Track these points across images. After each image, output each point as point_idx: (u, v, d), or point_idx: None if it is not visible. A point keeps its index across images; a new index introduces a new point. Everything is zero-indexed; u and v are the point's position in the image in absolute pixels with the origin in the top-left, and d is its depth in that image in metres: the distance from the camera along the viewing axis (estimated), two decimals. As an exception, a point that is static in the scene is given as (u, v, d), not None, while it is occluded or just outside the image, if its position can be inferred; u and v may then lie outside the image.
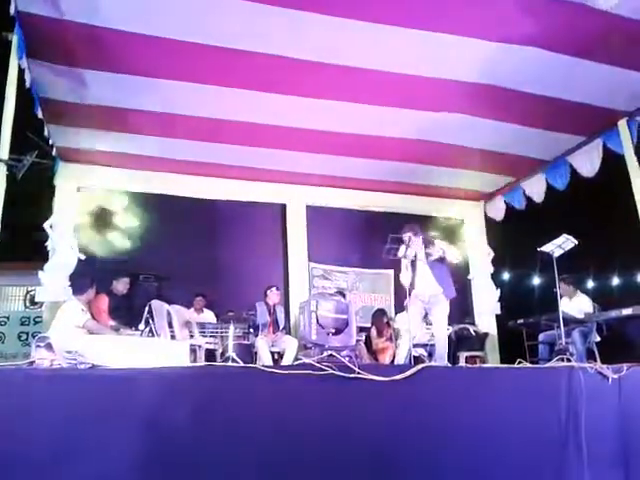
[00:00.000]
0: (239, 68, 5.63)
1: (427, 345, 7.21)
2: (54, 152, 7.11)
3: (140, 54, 5.38)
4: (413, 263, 5.60)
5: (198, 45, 5.23)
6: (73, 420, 3.09)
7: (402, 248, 5.59)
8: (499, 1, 4.74)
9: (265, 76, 5.78)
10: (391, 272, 8.71)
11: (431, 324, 5.91)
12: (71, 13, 4.77)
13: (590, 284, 8.84)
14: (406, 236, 5.60)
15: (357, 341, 7.11)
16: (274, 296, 7.04)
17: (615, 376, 4.13)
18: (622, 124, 6.62)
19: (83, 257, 7.09)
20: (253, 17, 4.88)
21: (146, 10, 4.81)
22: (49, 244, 7.07)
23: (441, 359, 5.38)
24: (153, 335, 5.06)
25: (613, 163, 6.81)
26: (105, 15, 4.84)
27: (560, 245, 5.71)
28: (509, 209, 8.91)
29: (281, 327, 6.93)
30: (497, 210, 9.17)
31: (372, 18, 4.98)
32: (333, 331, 5.11)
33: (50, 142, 6.84)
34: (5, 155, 4.52)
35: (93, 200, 7.56)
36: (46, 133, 6.58)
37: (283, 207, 8.70)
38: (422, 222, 5.67)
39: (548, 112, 6.43)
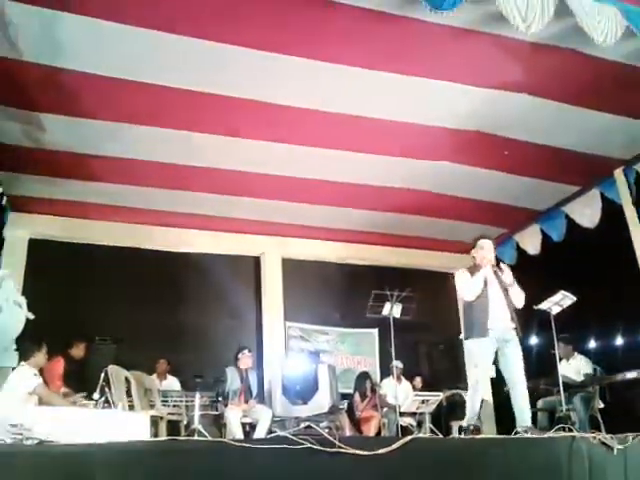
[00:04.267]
0: (208, 112, 5.73)
1: (416, 414, 7.16)
2: (4, 201, 7.08)
3: (102, 97, 5.46)
4: None
5: (165, 88, 5.33)
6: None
7: (387, 305, 5.64)
8: (488, 48, 4.95)
9: (236, 120, 5.91)
10: (375, 331, 8.70)
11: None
12: (29, 53, 4.85)
13: (591, 344, 8.88)
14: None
15: (339, 409, 7.03)
16: (246, 360, 6.91)
17: (620, 447, 4.12)
18: (618, 173, 6.83)
19: (32, 317, 6.94)
20: (226, 60, 5.02)
21: (108, 52, 4.91)
22: (-6, 302, 6.93)
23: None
24: (109, 405, 4.94)
25: (614, 212, 6.90)
26: (66, 56, 4.92)
27: (558, 302, 5.79)
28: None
29: (254, 395, 6.80)
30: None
31: (361, 64, 5.16)
32: (300, 402, 4.96)
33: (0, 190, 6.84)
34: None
35: (47, 254, 7.48)
36: (-5, 180, 6.58)
37: (257, 260, 8.71)
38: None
39: (540, 160, 6.64)
